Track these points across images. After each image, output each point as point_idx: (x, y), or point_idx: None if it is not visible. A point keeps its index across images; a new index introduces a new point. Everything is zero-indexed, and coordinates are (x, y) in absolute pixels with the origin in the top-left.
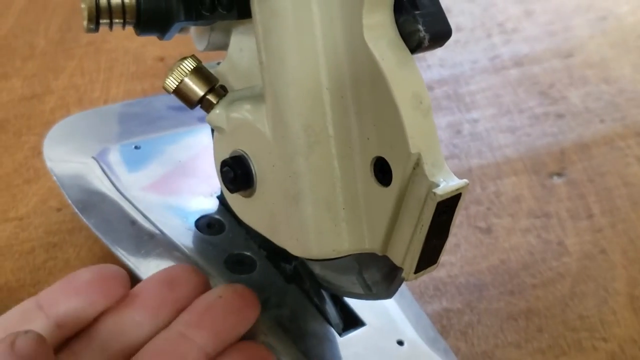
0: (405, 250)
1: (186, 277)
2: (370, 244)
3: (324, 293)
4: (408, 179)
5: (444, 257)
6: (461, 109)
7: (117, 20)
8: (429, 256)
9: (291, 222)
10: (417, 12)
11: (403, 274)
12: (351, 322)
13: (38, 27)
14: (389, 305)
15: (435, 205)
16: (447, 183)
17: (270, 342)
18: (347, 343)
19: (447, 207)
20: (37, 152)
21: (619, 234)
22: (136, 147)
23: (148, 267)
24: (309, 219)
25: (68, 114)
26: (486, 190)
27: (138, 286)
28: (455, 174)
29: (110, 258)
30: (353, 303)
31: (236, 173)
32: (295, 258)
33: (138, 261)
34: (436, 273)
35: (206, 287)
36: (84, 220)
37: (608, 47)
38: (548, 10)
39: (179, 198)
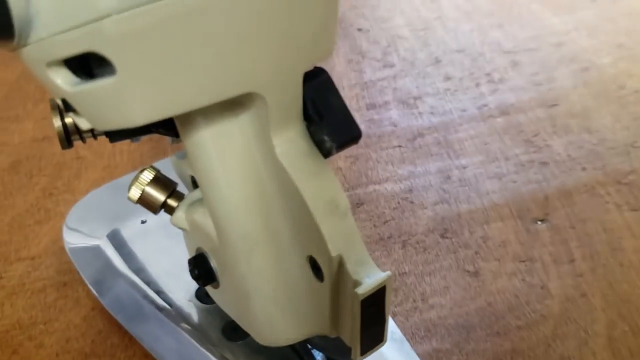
0: (349, 335)
1: None
2: (321, 329)
3: (314, 351)
4: (336, 276)
5: (435, 299)
6: (450, 155)
7: (87, 135)
8: (372, 338)
9: (248, 315)
10: (322, 122)
11: (352, 356)
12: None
13: None
14: (382, 348)
15: (359, 302)
16: (369, 279)
17: None
18: None
19: (375, 300)
20: (48, 193)
21: (598, 278)
22: (142, 222)
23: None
24: (259, 314)
25: (77, 156)
26: (474, 235)
27: None
28: (445, 219)
29: None
30: None
31: (200, 271)
32: None
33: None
34: (427, 315)
35: None
36: (99, 299)
37: (590, 98)
38: (533, 61)
39: (183, 269)
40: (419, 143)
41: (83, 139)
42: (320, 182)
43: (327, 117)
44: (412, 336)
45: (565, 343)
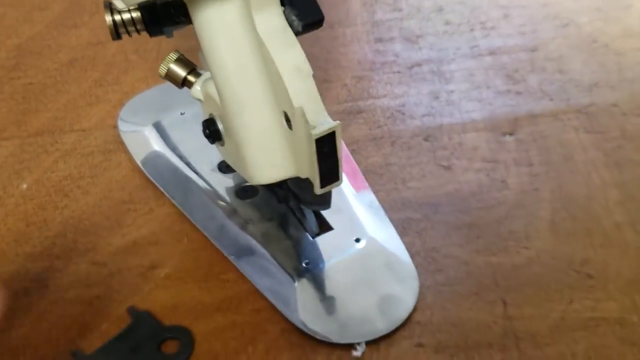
0: (312, 173)
1: None
2: (294, 170)
3: (306, 210)
4: (299, 124)
5: (412, 183)
6: (441, 81)
7: (132, 29)
8: (329, 176)
9: (243, 161)
10: (293, 6)
11: (315, 190)
12: (323, 228)
13: None
14: (358, 212)
15: (314, 141)
16: (322, 125)
17: (261, 244)
18: (317, 243)
19: (327, 141)
20: (99, 84)
21: (550, 178)
22: (181, 114)
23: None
24: (249, 159)
25: (125, 58)
26: (452, 141)
27: None
28: (429, 128)
29: None
30: (327, 215)
31: (210, 131)
32: (286, 184)
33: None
34: (404, 194)
35: None
36: (145, 172)
37: (566, 47)
38: (522, 16)
39: (208, 149)
40: (416, 70)
41: (129, 33)
42: (289, 52)
43: (295, 2)
44: (389, 208)
45: (514, 222)
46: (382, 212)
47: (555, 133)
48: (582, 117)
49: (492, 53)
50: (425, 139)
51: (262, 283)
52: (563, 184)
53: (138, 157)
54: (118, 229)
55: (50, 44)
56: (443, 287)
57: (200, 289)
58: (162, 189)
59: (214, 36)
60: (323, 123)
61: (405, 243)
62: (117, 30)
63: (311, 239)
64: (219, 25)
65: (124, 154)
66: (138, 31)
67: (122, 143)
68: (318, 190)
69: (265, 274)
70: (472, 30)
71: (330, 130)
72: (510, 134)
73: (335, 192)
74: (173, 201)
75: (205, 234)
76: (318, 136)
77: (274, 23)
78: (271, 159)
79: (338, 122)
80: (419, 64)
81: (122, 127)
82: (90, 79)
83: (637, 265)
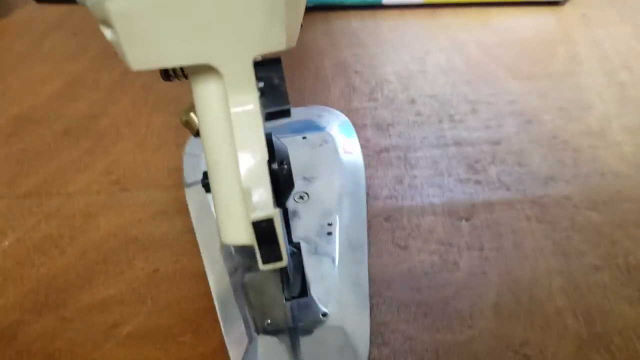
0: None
1: None
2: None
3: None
4: (245, 204)
5: (370, 261)
6: (406, 167)
7: (179, 74)
8: (270, 255)
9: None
10: (264, 95)
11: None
12: (300, 293)
13: (106, 67)
14: (339, 285)
15: (251, 223)
16: (262, 211)
17: (236, 294)
18: (287, 306)
19: (266, 226)
20: (89, 153)
21: (499, 263)
22: None
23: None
24: (219, 218)
25: (117, 131)
26: (410, 222)
27: None
28: (390, 209)
29: None
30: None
31: (204, 183)
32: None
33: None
34: (363, 272)
35: None
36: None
37: (527, 142)
38: (489, 111)
39: None
40: (384, 156)
41: (178, 77)
42: (250, 136)
43: (267, 93)
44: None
45: (461, 302)
46: (365, 288)
47: (508, 221)
48: (536, 208)
49: (457, 143)
50: (386, 220)
51: (226, 334)
52: (510, 268)
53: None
54: (88, 287)
55: (49, 114)
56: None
57: (157, 349)
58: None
59: (199, 103)
60: (263, 209)
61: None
62: (167, 75)
63: (284, 300)
64: (205, 97)
65: (102, 217)
66: (185, 76)
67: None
68: (261, 267)
69: (230, 325)
70: (440, 121)
71: (267, 217)
72: (466, 220)
73: (326, 262)
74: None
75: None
76: (254, 220)
77: (246, 107)
78: (235, 224)
79: (277, 210)
80: (387, 150)
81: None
82: (81, 148)
83: (574, 350)
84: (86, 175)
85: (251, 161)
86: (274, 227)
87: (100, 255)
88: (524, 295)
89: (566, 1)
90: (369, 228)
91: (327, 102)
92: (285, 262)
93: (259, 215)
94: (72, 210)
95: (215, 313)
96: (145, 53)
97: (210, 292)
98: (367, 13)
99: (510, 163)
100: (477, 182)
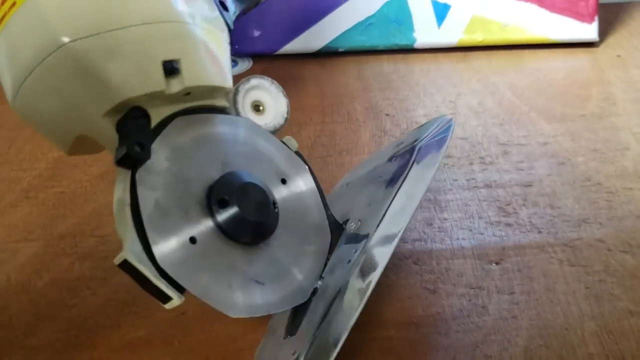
0: None
1: None
2: None
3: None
4: None
5: (397, 303)
6: (436, 210)
7: None
8: (157, 296)
9: None
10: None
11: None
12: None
13: None
14: None
15: (116, 265)
16: (120, 255)
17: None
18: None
19: (128, 269)
20: None
21: (529, 307)
22: None
23: None
24: None
25: None
26: (439, 266)
27: None
28: (419, 252)
29: None
30: None
31: None
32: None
33: None
34: (389, 314)
35: None
36: None
37: (560, 184)
38: (521, 153)
39: None
40: None
41: None
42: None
43: None
44: (372, 325)
45: (490, 347)
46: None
47: (539, 264)
48: (568, 251)
49: (487, 186)
50: (415, 263)
51: None
52: (542, 313)
53: None
54: (118, 329)
55: (87, 158)
56: None
57: None
58: None
59: None
60: (121, 254)
61: None
62: None
63: (282, 338)
64: None
65: None
66: None
67: None
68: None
69: None
70: (471, 164)
71: (121, 260)
72: (497, 263)
73: None
74: None
75: None
76: (116, 263)
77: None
78: None
79: (126, 252)
80: None
81: None
82: None
83: None
84: None
85: (118, 208)
86: (135, 270)
87: (130, 297)
88: (555, 340)
89: (600, 43)
90: (397, 270)
91: (357, 145)
92: (178, 298)
93: (118, 259)
94: (105, 252)
95: (242, 357)
96: None
97: (238, 335)
98: (399, 57)
99: (542, 205)
100: (508, 225)
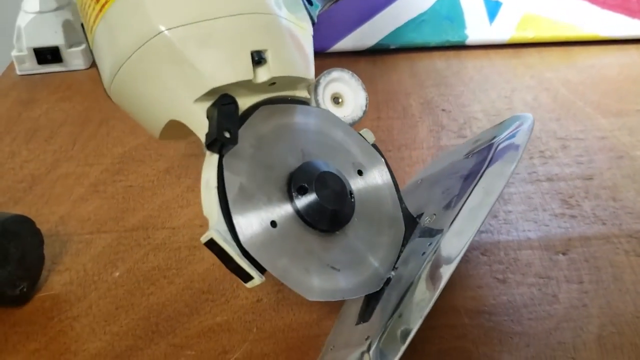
0: None
1: None
2: None
3: (381, 301)
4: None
5: (469, 292)
6: (500, 203)
7: None
8: (239, 274)
9: None
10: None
11: None
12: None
13: None
14: None
15: (203, 244)
16: (206, 234)
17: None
18: (355, 329)
19: (214, 247)
20: (191, 190)
21: (599, 296)
22: None
23: None
24: None
25: None
26: (507, 257)
27: None
28: (486, 244)
29: None
30: None
31: None
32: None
33: None
34: (461, 302)
35: None
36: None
37: (620, 177)
38: (579, 147)
39: None
40: None
41: None
42: (207, 169)
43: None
44: (445, 313)
45: (563, 334)
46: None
47: (606, 254)
48: (634, 242)
49: (549, 179)
50: (483, 254)
51: None
52: (612, 301)
53: None
54: (196, 315)
55: (151, 153)
56: None
57: None
58: None
59: None
60: (207, 233)
61: (458, 347)
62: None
63: (354, 324)
64: None
65: (206, 250)
66: None
67: None
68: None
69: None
70: (531, 158)
71: (207, 239)
72: (563, 254)
73: None
74: None
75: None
76: (203, 242)
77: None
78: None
79: (212, 231)
80: None
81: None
82: (183, 184)
83: None
84: (189, 210)
85: (205, 190)
86: (221, 249)
87: (206, 285)
88: (627, 328)
89: None
90: (466, 262)
91: (415, 140)
92: (257, 280)
93: (205, 237)
94: (178, 243)
95: (319, 342)
96: None
97: (313, 322)
98: (451, 53)
99: (605, 198)
100: (572, 217)
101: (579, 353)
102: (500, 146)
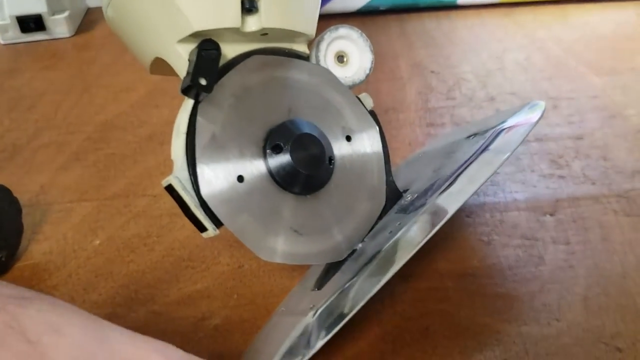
0: None
1: None
2: None
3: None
4: None
5: (452, 254)
6: None
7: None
8: (195, 223)
9: None
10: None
11: None
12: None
13: None
14: None
15: (164, 187)
16: (167, 179)
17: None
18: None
19: (173, 193)
20: None
21: (586, 257)
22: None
23: None
24: None
25: None
26: (493, 218)
27: None
28: (472, 205)
29: None
30: None
31: None
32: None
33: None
34: (443, 265)
35: None
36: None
37: (611, 136)
38: (571, 106)
39: None
40: None
41: None
42: (180, 114)
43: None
44: (426, 277)
45: (548, 296)
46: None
47: (594, 215)
48: (623, 201)
49: (538, 139)
50: (468, 215)
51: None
52: (599, 262)
53: None
54: (176, 283)
55: (133, 120)
56: (473, 352)
57: (245, 342)
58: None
59: None
60: (167, 178)
61: (440, 310)
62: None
63: (310, 290)
64: None
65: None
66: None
67: None
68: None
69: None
70: None
71: (167, 184)
72: (551, 215)
73: None
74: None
75: None
76: (164, 185)
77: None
78: None
79: (172, 177)
80: None
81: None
82: (165, 152)
83: None
84: None
85: (175, 135)
86: (178, 195)
87: (187, 252)
88: (613, 288)
89: None
90: (450, 224)
91: (403, 103)
92: (211, 232)
93: (165, 182)
94: (159, 211)
95: None
96: None
97: (292, 288)
98: (441, 14)
99: (595, 158)
100: (561, 177)
101: (564, 314)
102: (502, 133)
